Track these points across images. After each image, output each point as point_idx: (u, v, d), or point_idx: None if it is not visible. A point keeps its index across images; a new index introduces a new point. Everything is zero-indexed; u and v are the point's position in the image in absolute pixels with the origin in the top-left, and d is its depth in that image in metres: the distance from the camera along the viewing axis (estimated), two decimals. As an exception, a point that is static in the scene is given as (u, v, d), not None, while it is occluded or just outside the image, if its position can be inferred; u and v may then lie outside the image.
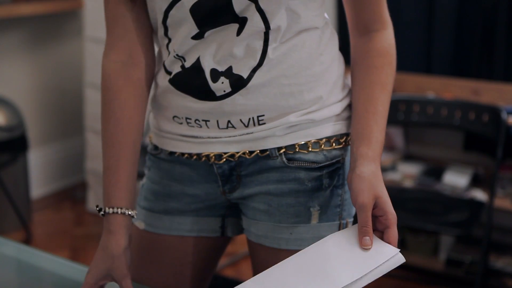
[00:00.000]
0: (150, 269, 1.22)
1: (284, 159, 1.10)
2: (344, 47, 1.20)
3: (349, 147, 1.13)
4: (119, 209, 1.09)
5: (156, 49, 1.17)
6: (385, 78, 1.10)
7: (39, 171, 3.49)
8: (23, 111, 3.21)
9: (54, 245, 3.05)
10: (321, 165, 1.10)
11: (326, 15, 1.12)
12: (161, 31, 1.09)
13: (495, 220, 2.70)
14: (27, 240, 3.05)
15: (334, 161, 1.11)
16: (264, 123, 1.08)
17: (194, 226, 1.20)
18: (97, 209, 1.11)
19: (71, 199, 3.59)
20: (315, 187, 1.11)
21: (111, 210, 1.09)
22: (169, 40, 1.09)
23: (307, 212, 1.11)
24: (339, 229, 1.12)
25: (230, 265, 2.79)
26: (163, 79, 1.13)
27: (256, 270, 1.17)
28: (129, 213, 1.10)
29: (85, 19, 3.19)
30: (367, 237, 0.97)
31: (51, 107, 3.54)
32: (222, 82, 1.05)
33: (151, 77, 1.16)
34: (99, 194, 3.37)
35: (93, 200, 3.42)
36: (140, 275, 1.22)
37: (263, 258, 1.15)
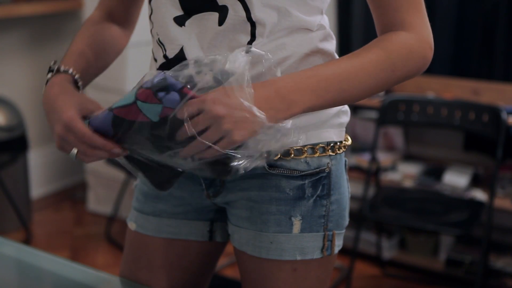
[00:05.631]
0: (144, 271, 1.21)
1: (265, 165, 1.06)
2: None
3: (337, 156, 1.10)
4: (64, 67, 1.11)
5: None
6: (366, 56, 1.00)
7: (39, 171, 3.49)
8: (23, 111, 3.21)
9: (54, 245, 3.05)
10: (303, 173, 1.06)
11: (325, 20, 1.09)
12: (149, 13, 1.09)
13: (495, 220, 2.70)
14: (27, 240, 3.05)
15: (318, 170, 1.07)
16: None
17: (183, 229, 1.18)
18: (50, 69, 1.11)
19: (71, 199, 3.59)
20: (297, 196, 1.07)
21: (61, 68, 1.11)
22: (152, 24, 1.09)
23: (288, 222, 1.07)
24: (323, 241, 1.09)
25: (230, 265, 2.78)
26: (152, 68, 1.11)
27: (242, 277, 1.16)
28: (71, 72, 1.10)
29: (85, 19, 3.19)
30: None
31: (51, 107, 3.54)
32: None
33: (125, 36, 1.25)
34: (99, 194, 3.37)
35: (93, 200, 3.42)
36: (135, 276, 1.21)
37: (247, 266, 1.13)
